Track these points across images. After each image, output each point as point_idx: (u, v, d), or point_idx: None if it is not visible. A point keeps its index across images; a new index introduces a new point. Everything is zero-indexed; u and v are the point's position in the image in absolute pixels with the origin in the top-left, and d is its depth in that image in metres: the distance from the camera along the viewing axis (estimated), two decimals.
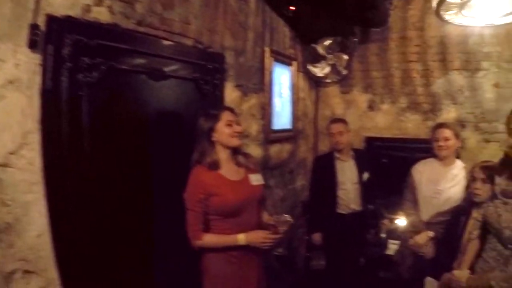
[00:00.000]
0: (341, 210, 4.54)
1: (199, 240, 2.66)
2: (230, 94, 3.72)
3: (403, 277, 3.99)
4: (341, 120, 4.64)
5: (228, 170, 2.78)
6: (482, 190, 3.07)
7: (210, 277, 2.76)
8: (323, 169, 4.63)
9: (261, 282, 2.96)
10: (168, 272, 3.01)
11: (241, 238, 2.66)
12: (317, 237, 4.64)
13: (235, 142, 2.78)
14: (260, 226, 2.84)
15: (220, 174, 2.73)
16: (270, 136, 4.48)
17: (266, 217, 2.98)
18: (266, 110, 4.37)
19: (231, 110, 2.87)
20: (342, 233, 4.52)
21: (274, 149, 4.67)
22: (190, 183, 2.68)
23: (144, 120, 2.88)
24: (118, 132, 2.67)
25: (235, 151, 2.85)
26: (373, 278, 4.99)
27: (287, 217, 2.81)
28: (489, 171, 3.03)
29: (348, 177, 4.53)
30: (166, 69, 2.99)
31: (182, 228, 2.69)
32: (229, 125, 2.73)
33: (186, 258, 2.85)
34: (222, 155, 2.77)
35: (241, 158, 2.87)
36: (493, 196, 2.57)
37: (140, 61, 2.79)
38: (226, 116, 2.75)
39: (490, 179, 2.99)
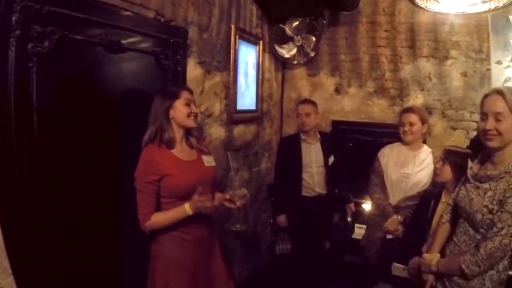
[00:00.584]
0: (306, 193, 4.52)
1: (148, 221, 2.56)
2: (193, 70, 3.60)
3: (370, 262, 3.96)
4: (310, 101, 4.60)
5: (181, 150, 2.72)
6: (441, 170, 3.11)
7: (162, 261, 2.66)
8: (289, 151, 4.60)
9: (218, 263, 2.92)
10: (130, 261, 2.90)
11: (187, 206, 2.54)
12: (282, 219, 4.63)
13: (191, 122, 2.72)
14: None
15: (173, 154, 2.66)
16: (234, 117, 4.37)
17: (219, 195, 2.91)
18: (230, 89, 4.26)
19: (189, 90, 2.81)
20: (306, 216, 4.50)
21: (238, 130, 4.58)
22: (141, 163, 2.58)
23: (100, 96, 2.73)
24: (71, 108, 2.50)
25: (188, 132, 2.79)
26: (338, 262, 5.00)
27: (243, 190, 2.78)
28: (453, 156, 3.04)
29: (313, 159, 4.50)
30: (124, 41, 2.83)
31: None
32: (187, 104, 2.68)
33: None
34: (177, 134, 2.70)
35: (193, 140, 2.83)
36: (465, 180, 2.53)
37: (96, 31, 2.61)
38: (185, 95, 2.69)
39: (453, 164, 3.00)
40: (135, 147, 2.66)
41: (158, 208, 2.61)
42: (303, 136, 4.53)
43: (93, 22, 2.58)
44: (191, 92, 2.80)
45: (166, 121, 2.64)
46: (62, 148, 2.45)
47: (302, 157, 4.48)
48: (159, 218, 2.57)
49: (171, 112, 2.64)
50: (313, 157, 4.51)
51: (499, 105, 2.24)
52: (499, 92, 2.27)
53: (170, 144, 2.64)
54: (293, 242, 4.85)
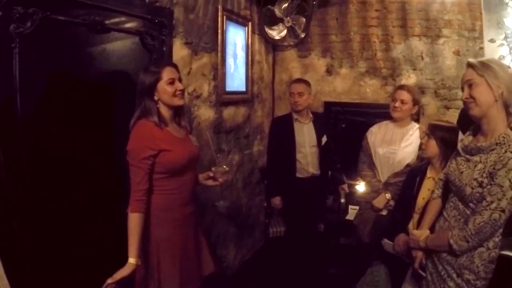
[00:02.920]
0: (299, 174, 4.50)
1: (132, 214, 2.45)
2: (179, 51, 3.55)
3: (364, 242, 3.96)
4: (303, 81, 4.56)
5: (173, 128, 2.68)
6: (426, 145, 3.07)
7: (154, 243, 2.60)
8: (281, 131, 4.56)
9: (202, 239, 2.96)
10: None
11: (132, 260, 2.41)
12: (277, 201, 4.60)
13: (177, 101, 2.63)
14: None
15: (168, 130, 2.61)
16: (223, 98, 4.33)
17: (201, 176, 2.92)
18: (218, 71, 4.21)
19: (173, 66, 2.69)
20: (300, 198, 4.48)
21: (228, 111, 4.54)
22: (137, 137, 2.49)
23: (84, 77, 2.69)
24: (54, 89, 2.46)
25: (177, 111, 2.72)
26: (333, 245, 5.00)
27: (225, 167, 2.79)
28: (438, 130, 3.01)
29: (306, 139, 4.48)
30: (108, 21, 2.79)
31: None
32: (171, 83, 2.57)
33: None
34: (166, 114, 2.64)
35: (182, 119, 2.79)
36: (456, 153, 2.52)
37: (79, 11, 2.56)
38: (167, 73, 2.58)
39: (439, 138, 2.97)
40: (121, 128, 2.62)
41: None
42: (295, 116, 4.49)
43: (76, 2, 2.55)
44: (175, 67, 2.68)
45: (152, 103, 2.56)
46: (46, 129, 2.43)
47: (295, 137, 4.45)
48: (132, 225, 2.45)
49: (155, 94, 2.56)
50: (306, 136, 4.48)
51: (469, 73, 2.33)
52: (468, 64, 2.36)
53: (161, 124, 2.58)
54: (287, 225, 4.82)
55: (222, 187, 2.85)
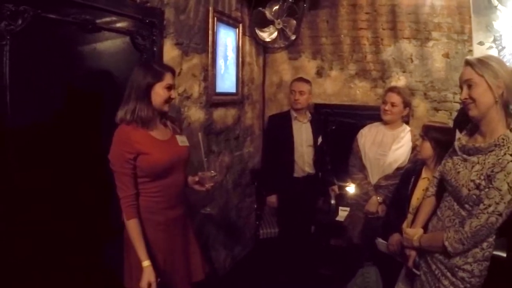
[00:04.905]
0: (296, 173, 4.51)
1: (129, 221, 2.48)
2: (169, 51, 3.53)
3: (354, 242, 3.97)
4: (305, 80, 4.58)
5: (156, 129, 2.64)
6: (421, 147, 3.10)
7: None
8: (279, 129, 4.58)
9: (192, 245, 2.91)
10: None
11: (146, 264, 2.46)
12: (273, 199, 4.60)
13: (166, 108, 2.63)
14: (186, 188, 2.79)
15: (147, 133, 2.57)
16: (213, 99, 4.31)
17: (190, 178, 2.87)
18: (209, 72, 4.19)
19: (173, 72, 2.66)
20: (296, 197, 4.50)
21: (218, 113, 4.52)
22: (116, 143, 2.48)
23: (74, 75, 2.67)
24: (44, 87, 2.45)
25: (163, 113, 2.69)
26: (324, 246, 5.01)
27: (212, 172, 2.76)
28: (432, 131, 3.03)
29: (304, 138, 4.51)
30: (99, 21, 2.77)
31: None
32: (168, 88, 2.57)
33: None
34: (153, 114, 2.59)
35: (168, 120, 2.77)
36: (452, 152, 2.50)
37: (70, 10, 2.55)
38: (168, 78, 2.57)
39: (433, 139, 2.99)
40: (109, 126, 2.59)
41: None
42: (294, 114, 4.51)
43: (67, 1, 2.55)
44: (174, 73, 2.67)
45: (147, 100, 2.52)
46: (35, 127, 2.42)
47: (294, 136, 4.47)
48: (131, 232, 2.49)
49: (151, 92, 2.52)
50: (303, 136, 4.50)
51: (467, 72, 2.27)
52: (466, 62, 2.31)
53: (147, 123, 2.55)
54: (281, 225, 4.83)
55: (209, 191, 2.80)
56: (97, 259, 2.84)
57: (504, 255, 3.12)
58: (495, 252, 3.01)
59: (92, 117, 2.81)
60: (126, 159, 2.45)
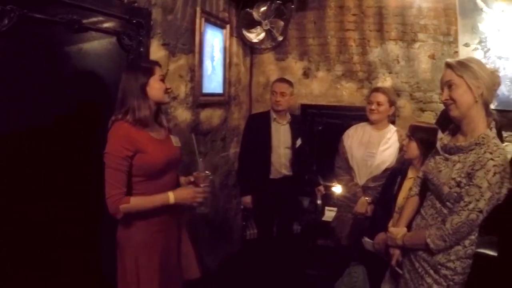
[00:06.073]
0: (272, 175, 4.47)
1: (126, 204, 2.38)
2: (156, 52, 3.53)
3: (342, 243, 3.98)
4: (287, 81, 4.52)
5: (153, 129, 2.61)
6: (407, 147, 3.12)
7: (131, 249, 2.55)
8: (258, 129, 4.52)
9: (186, 248, 2.89)
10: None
11: (171, 196, 2.50)
12: (247, 199, 4.56)
13: (167, 98, 2.67)
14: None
15: (146, 132, 2.54)
16: (200, 100, 4.31)
17: (182, 179, 2.86)
18: (195, 72, 4.20)
19: (160, 65, 2.69)
20: (273, 198, 4.46)
21: (205, 113, 4.53)
22: (113, 139, 2.43)
23: (60, 75, 2.67)
24: (30, 87, 2.44)
25: (159, 110, 2.69)
26: (311, 246, 5.01)
27: (207, 173, 2.73)
28: (419, 132, 3.06)
29: (281, 140, 4.46)
30: (85, 20, 2.76)
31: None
32: (161, 80, 2.59)
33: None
34: (151, 112, 2.58)
35: (163, 118, 2.74)
36: (435, 152, 2.53)
37: (57, 10, 2.55)
38: (158, 70, 2.60)
39: (419, 139, 3.03)
40: (95, 127, 2.60)
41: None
42: (274, 115, 4.46)
43: (54, 1, 2.54)
44: (160, 66, 2.68)
45: (143, 99, 2.50)
46: (20, 126, 2.40)
47: (272, 137, 4.43)
48: (138, 203, 2.45)
49: (147, 89, 2.51)
50: (281, 137, 4.45)
51: (447, 74, 2.33)
52: (446, 64, 2.36)
53: (145, 122, 2.52)
54: (258, 226, 4.80)
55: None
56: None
57: (495, 254, 3.16)
58: (485, 251, 3.07)
59: (78, 117, 2.79)
60: (124, 155, 2.40)
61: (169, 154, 2.62)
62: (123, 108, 2.50)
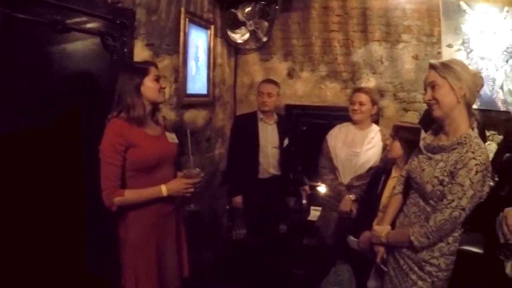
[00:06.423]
0: (260, 175, 4.49)
1: (120, 197, 2.51)
2: (140, 52, 3.52)
3: (327, 242, 4.00)
4: (273, 82, 4.54)
5: (147, 126, 2.70)
6: (391, 146, 3.16)
7: (128, 242, 2.65)
8: (245, 129, 4.54)
9: (181, 243, 2.96)
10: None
11: (164, 188, 2.60)
12: (238, 199, 4.56)
13: (161, 98, 2.74)
14: None
15: (139, 128, 2.63)
16: (184, 100, 4.30)
17: (179, 174, 2.90)
18: (180, 73, 4.18)
19: (156, 65, 2.77)
20: (262, 198, 4.48)
21: (189, 114, 4.51)
22: (108, 135, 2.53)
23: (44, 76, 2.67)
24: (14, 88, 2.43)
25: (155, 108, 2.77)
26: (297, 246, 5.02)
27: (198, 170, 2.77)
28: (402, 131, 3.09)
29: (269, 140, 4.47)
30: (69, 21, 2.76)
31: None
32: (156, 80, 2.66)
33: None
34: (146, 110, 2.66)
35: (160, 116, 2.82)
36: (418, 151, 2.57)
37: (40, 10, 2.55)
38: (153, 70, 2.67)
39: (403, 139, 3.06)
40: (78, 127, 2.60)
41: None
42: (261, 116, 4.48)
43: (38, 1, 2.53)
44: (157, 67, 2.76)
45: (137, 98, 2.59)
46: (3, 127, 2.40)
47: (259, 137, 4.45)
48: (132, 196, 2.56)
49: (142, 88, 2.60)
50: (269, 137, 4.47)
51: (431, 75, 2.37)
52: (430, 65, 2.39)
53: (139, 120, 2.61)
54: (248, 226, 4.80)
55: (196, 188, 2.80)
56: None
57: (479, 251, 3.20)
58: (470, 248, 3.11)
59: (62, 117, 2.79)
60: (118, 150, 2.51)
61: (162, 150, 2.70)
62: (119, 106, 2.59)
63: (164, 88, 2.75)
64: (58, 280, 2.77)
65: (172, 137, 2.85)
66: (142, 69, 2.64)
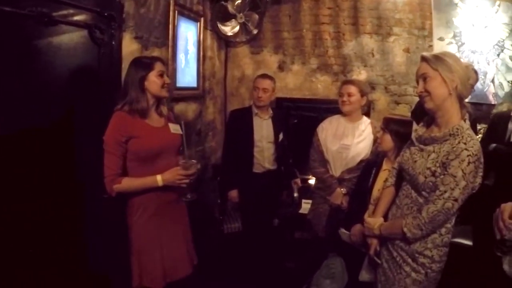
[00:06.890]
0: (256, 169, 4.47)
1: (118, 184, 2.64)
2: (128, 45, 3.48)
3: (319, 235, 3.99)
4: (269, 77, 4.48)
5: (150, 117, 2.80)
6: (381, 139, 3.15)
7: (133, 229, 2.76)
8: (240, 124, 4.50)
9: (185, 232, 3.04)
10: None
11: (159, 178, 2.66)
12: (234, 193, 4.54)
13: (164, 93, 2.81)
14: None
15: (142, 120, 2.74)
16: (174, 93, 4.27)
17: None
18: (169, 66, 4.15)
19: (162, 61, 2.87)
20: (257, 192, 4.46)
21: (179, 107, 4.49)
22: (111, 126, 2.65)
23: (30, 70, 2.61)
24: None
25: (159, 101, 2.86)
26: (289, 239, 5.02)
27: (194, 161, 2.80)
28: (392, 124, 3.08)
29: (264, 135, 4.44)
30: (56, 14, 2.71)
31: None
32: (160, 75, 2.75)
33: None
34: (149, 103, 2.77)
35: (164, 108, 2.90)
36: (410, 143, 2.56)
37: (26, 3, 2.49)
38: (158, 66, 2.76)
39: (393, 132, 3.04)
40: (66, 122, 2.60)
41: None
42: (256, 110, 4.44)
43: None
44: (163, 62, 2.86)
45: (140, 92, 2.69)
46: None
47: (254, 132, 4.43)
48: (129, 184, 2.66)
49: (145, 83, 2.70)
50: (264, 132, 4.44)
51: (423, 67, 2.36)
52: (422, 57, 2.40)
53: (143, 113, 2.72)
54: (243, 220, 4.81)
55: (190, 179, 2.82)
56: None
57: (470, 243, 3.20)
58: (461, 240, 3.10)
59: (49, 111, 2.75)
60: (119, 141, 2.63)
61: (164, 140, 2.80)
62: (124, 99, 2.70)
63: (168, 83, 2.82)
64: (58, 280, 2.78)
65: (175, 128, 2.93)
66: (147, 64, 2.73)
